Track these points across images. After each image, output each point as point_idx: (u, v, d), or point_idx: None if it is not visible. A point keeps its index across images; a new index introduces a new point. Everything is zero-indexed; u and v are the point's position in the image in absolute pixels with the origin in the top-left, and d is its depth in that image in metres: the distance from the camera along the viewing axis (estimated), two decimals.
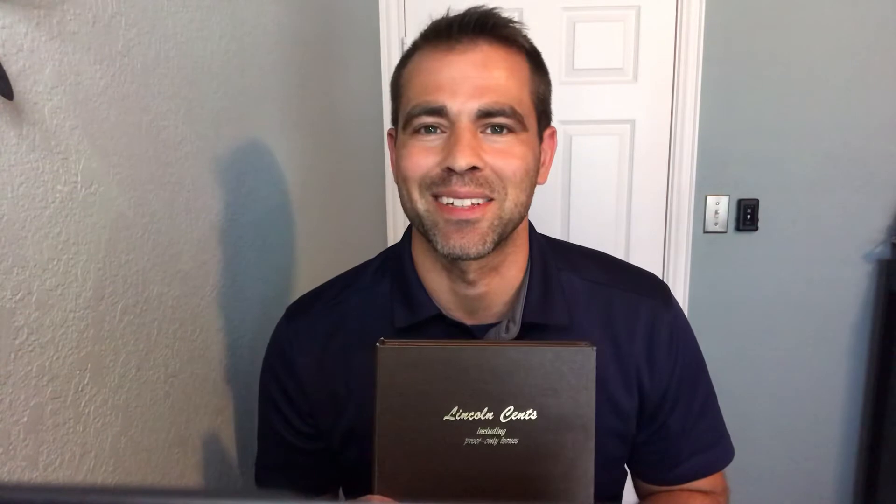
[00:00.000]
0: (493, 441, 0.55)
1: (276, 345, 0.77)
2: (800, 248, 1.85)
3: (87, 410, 0.58)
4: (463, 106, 0.61)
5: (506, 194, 0.63)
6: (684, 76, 1.78)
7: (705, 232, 1.87)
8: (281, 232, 1.09)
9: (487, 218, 0.63)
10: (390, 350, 0.55)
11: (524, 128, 0.64)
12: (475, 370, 0.55)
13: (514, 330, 0.69)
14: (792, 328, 1.89)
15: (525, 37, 0.67)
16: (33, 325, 0.51)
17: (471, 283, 0.68)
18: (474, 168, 0.61)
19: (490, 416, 0.55)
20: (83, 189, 0.57)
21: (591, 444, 0.56)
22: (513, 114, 0.62)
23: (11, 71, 0.48)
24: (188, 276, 0.77)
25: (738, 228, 1.86)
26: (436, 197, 0.63)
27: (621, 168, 1.86)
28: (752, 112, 1.80)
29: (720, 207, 1.85)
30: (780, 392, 1.92)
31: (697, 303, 1.90)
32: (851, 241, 1.84)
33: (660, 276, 1.87)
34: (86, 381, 0.58)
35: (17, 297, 0.49)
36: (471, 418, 0.55)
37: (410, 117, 0.63)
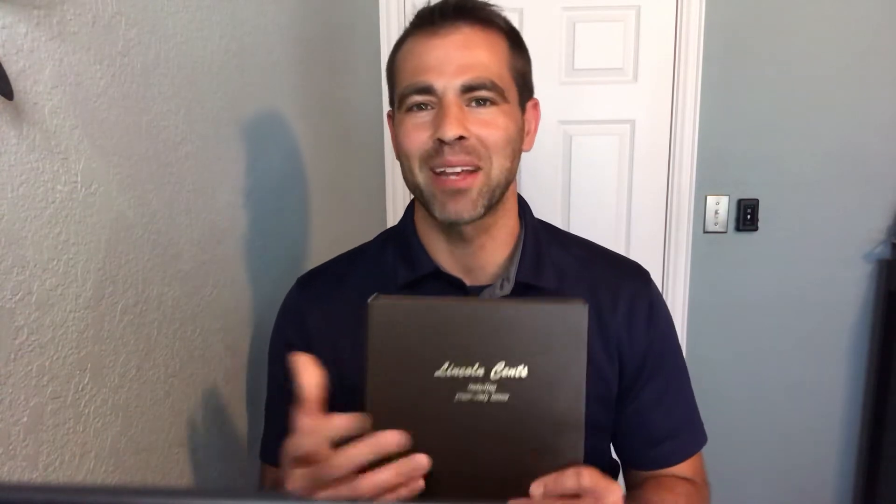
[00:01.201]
0: (484, 397, 0.55)
1: (287, 307, 0.83)
2: (800, 248, 1.85)
3: (87, 410, 0.58)
4: (448, 83, 0.69)
5: (491, 162, 0.71)
6: (684, 76, 1.78)
7: (705, 232, 1.87)
8: (281, 231, 1.09)
9: (476, 186, 0.70)
10: (381, 305, 0.55)
11: (505, 99, 0.71)
12: (467, 326, 0.55)
13: (508, 287, 0.76)
14: (792, 328, 1.89)
15: (502, 17, 0.75)
16: (33, 325, 0.51)
17: (467, 242, 0.76)
18: (462, 138, 0.68)
19: (481, 372, 0.55)
20: (83, 189, 0.57)
21: (582, 402, 0.56)
22: (493, 87, 0.70)
23: (11, 71, 0.48)
24: (188, 276, 0.77)
25: (738, 228, 1.86)
26: (433, 170, 0.71)
27: (621, 168, 1.86)
28: (752, 112, 1.80)
29: (720, 207, 1.85)
30: (780, 392, 1.92)
31: (697, 303, 1.90)
32: (851, 241, 1.84)
33: (660, 276, 1.88)
34: (86, 381, 0.58)
35: (17, 297, 0.49)
36: (462, 374, 0.55)
37: (403, 97, 0.71)
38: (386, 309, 0.55)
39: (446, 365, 0.54)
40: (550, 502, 0.54)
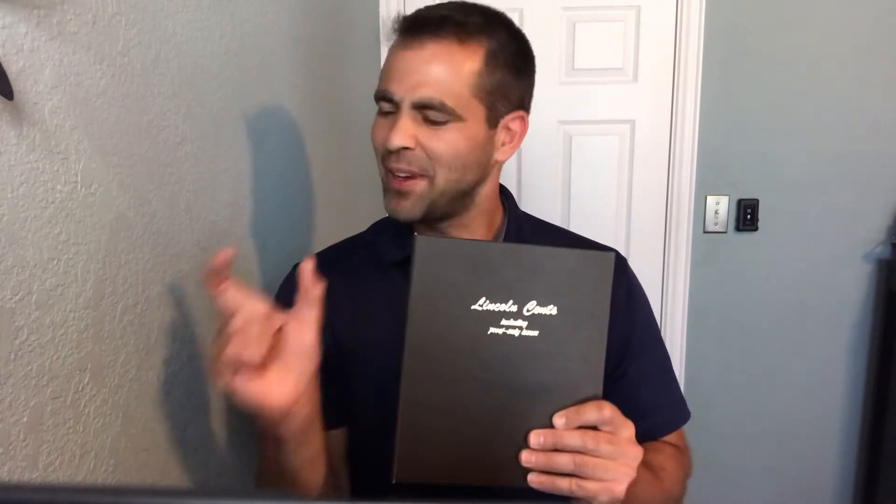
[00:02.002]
0: (515, 332, 0.59)
1: (285, 287, 0.84)
2: (800, 248, 1.85)
3: (87, 410, 0.58)
4: (403, 96, 0.73)
5: (435, 172, 0.74)
6: (684, 76, 1.78)
7: (705, 232, 1.87)
8: (281, 231, 1.09)
9: (416, 192, 0.75)
10: (427, 239, 0.59)
11: (459, 118, 0.73)
12: (504, 265, 0.59)
13: None
14: (792, 328, 1.89)
15: (489, 33, 0.75)
16: (33, 325, 0.51)
17: (440, 233, 0.81)
18: (406, 148, 0.73)
19: (514, 308, 0.59)
20: (83, 189, 0.57)
21: (604, 343, 0.60)
22: (442, 108, 0.72)
23: (11, 71, 0.48)
24: (188, 276, 0.77)
25: (738, 228, 1.86)
26: (387, 168, 0.76)
27: (621, 168, 1.86)
28: (752, 112, 1.80)
29: (720, 207, 1.85)
30: (780, 392, 1.92)
31: (697, 303, 1.90)
32: (851, 241, 1.84)
33: (660, 276, 1.88)
34: (86, 381, 0.58)
35: (17, 297, 0.49)
36: (496, 309, 0.59)
37: (376, 98, 0.77)
38: (431, 243, 0.59)
39: (483, 300, 0.58)
40: (571, 433, 0.59)
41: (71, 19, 0.55)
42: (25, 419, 0.51)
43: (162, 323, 0.71)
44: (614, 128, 1.85)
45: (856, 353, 1.89)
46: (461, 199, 0.78)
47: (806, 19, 1.75)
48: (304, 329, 0.57)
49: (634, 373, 0.82)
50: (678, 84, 1.79)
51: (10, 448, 0.49)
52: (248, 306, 0.55)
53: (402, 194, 0.76)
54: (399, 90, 0.73)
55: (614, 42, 1.80)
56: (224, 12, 0.86)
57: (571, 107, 1.83)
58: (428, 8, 0.76)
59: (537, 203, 1.86)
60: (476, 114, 0.75)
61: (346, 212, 1.50)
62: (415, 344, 0.58)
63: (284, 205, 1.11)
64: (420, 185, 0.75)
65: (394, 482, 0.58)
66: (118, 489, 0.22)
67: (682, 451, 0.86)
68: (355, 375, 0.80)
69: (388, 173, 0.76)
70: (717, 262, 1.88)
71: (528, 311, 0.59)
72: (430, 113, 0.73)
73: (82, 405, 0.58)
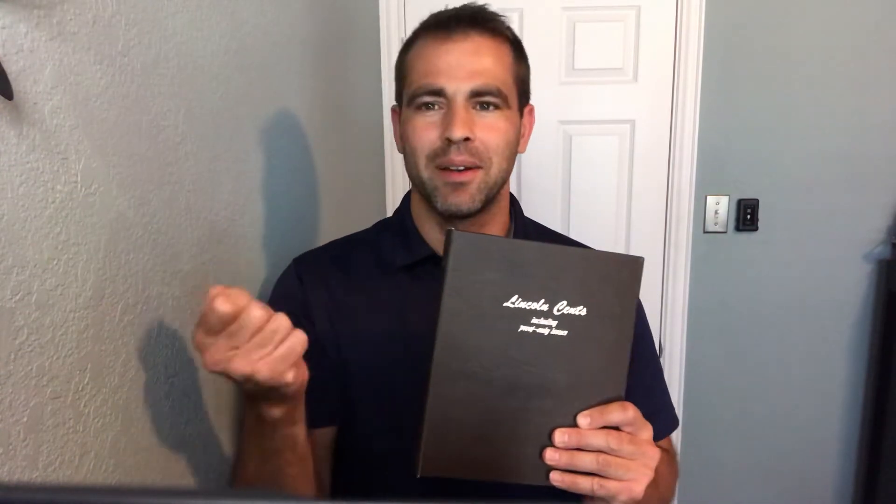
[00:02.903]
0: (545, 331, 0.59)
1: (283, 281, 0.86)
2: (800, 248, 1.85)
3: (87, 410, 0.58)
4: (458, 87, 0.74)
5: (491, 162, 0.76)
6: (684, 76, 1.78)
7: (705, 232, 1.87)
8: (281, 231, 1.09)
9: (476, 182, 0.76)
10: (464, 235, 0.59)
11: (508, 105, 0.77)
12: (537, 265, 0.59)
13: None
14: (792, 328, 1.89)
15: (509, 28, 0.79)
16: (33, 325, 0.51)
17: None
18: (467, 139, 0.73)
19: (545, 307, 0.59)
20: (83, 189, 0.57)
21: (629, 344, 0.61)
22: (498, 93, 0.75)
23: (11, 71, 0.48)
24: (188, 276, 0.77)
25: (738, 228, 1.86)
26: (438, 166, 0.76)
27: (621, 168, 1.86)
28: (752, 112, 1.80)
29: (720, 207, 1.85)
30: (780, 392, 1.92)
31: (697, 303, 1.90)
32: (851, 241, 1.84)
33: (660, 276, 1.88)
34: (86, 381, 0.58)
35: (17, 297, 0.49)
36: (528, 307, 0.59)
37: (415, 96, 0.76)
38: (467, 238, 0.59)
39: (515, 297, 0.59)
40: (596, 432, 0.59)
41: (71, 19, 0.55)
42: (25, 419, 0.51)
43: (162, 323, 0.71)
44: (614, 128, 1.85)
45: (856, 353, 1.89)
46: (497, 192, 0.79)
47: (806, 19, 1.75)
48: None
49: (631, 380, 0.82)
50: (678, 84, 1.79)
51: (10, 448, 0.49)
52: (250, 311, 0.56)
53: (461, 186, 0.75)
54: (452, 82, 0.74)
55: (614, 42, 1.80)
56: (224, 12, 0.86)
57: (571, 107, 1.83)
58: (456, 7, 0.78)
59: (537, 203, 1.86)
60: (514, 102, 0.78)
61: (347, 211, 1.50)
62: (447, 338, 0.58)
63: (284, 204, 1.11)
64: (479, 176, 0.76)
65: (418, 476, 0.59)
66: (118, 489, 0.22)
67: (672, 455, 0.87)
68: (355, 374, 0.80)
69: (439, 171, 0.76)
70: (717, 262, 1.88)
71: (558, 310, 0.59)
72: (487, 99, 0.74)
73: (82, 405, 0.58)
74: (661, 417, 0.85)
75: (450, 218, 0.78)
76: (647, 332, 0.89)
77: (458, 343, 0.59)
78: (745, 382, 1.92)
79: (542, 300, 0.59)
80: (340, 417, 0.81)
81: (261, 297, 0.98)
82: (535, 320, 0.59)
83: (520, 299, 0.59)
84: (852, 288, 1.86)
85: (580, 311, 0.59)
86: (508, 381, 0.60)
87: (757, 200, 1.84)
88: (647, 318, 0.89)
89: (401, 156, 0.84)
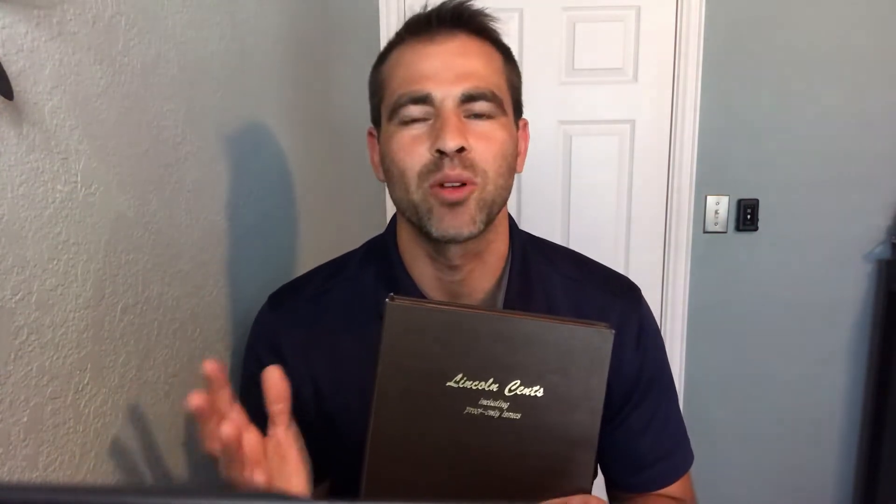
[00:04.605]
0: (494, 413, 0.53)
1: (260, 330, 0.77)
2: (800, 248, 1.85)
3: (87, 410, 0.58)
4: (447, 92, 0.64)
5: (487, 177, 0.65)
6: (684, 76, 1.78)
7: (705, 232, 1.87)
8: (281, 231, 1.09)
9: (473, 199, 0.65)
10: (400, 307, 0.53)
11: (503, 112, 0.67)
12: (485, 339, 0.53)
13: None
14: (792, 328, 1.89)
15: (495, 29, 0.70)
16: (33, 325, 0.51)
17: (455, 269, 0.71)
18: (462, 149, 0.63)
19: (495, 387, 0.53)
20: (83, 189, 0.57)
21: (596, 429, 0.54)
22: (493, 97, 0.65)
23: (11, 71, 0.48)
24: (188, 276, 0.77)
25: (738, 228, 1.86)
26: (430, 185, 0.65)
27: (621, 168, 1.86)
28: (753, 112, 1.80)
29: (720, 207, 1.85)
30: (779, 391, 1.92)
31: (697, 303, 1.90)
32: (851, 241, 1.84)
33: (660, 276, 1.88)
34: (86, 381, 0.58)
35: (17, 297, 0.49)
36: (475, 387, 0.53)
37: (397, 107, 0.66)
38: (404, 311, 0.53)
39: (460, 376, 0.53)
40: None
41: (71, 19, 0.55)
42: (25, 419, 0.51)
43: (162, 323, 0.71)
44: (614, 128, 1.85)
45: (856, 353, 1.89)
46: (497, 213, 0.68)
47: (806, 19, 1.75)
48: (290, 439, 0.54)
49: (636, 423, 0.76)
50: (678, 84, 1.79)
51: (10, 448, 0.49)
52: (248, 436, 0.52)
53: (458, 207, 0.64)
54: (439, 87, 0.64)
55: (614, 42, 1.80)
56: (224, 12, 0.86)
57: (571, 107, 1.83)
58: (436, 6, 0.68)
59: (537, 203, 1.86)
60: (510, 110, 0.69)
61: (346, 211, 1.50)
62: (382, 420, 0.53)
63: (284, 204, 1.11)
64: (475, 192, 0.65)
65: None
66: (118, 489, 0.22)
67: (683, 501, 0.80)
68: (340, 430, 0.74)
69: (432, 189, 0.65)
70: (717, 262, 1.88)
71: (510, 391, 0.53)
72: (480, 105, 0.65)
73: (82, 405, 0.58)
74: (668, 461, 0.78)
75: (445, 245, 0.67)
76: (661, 364, 0.78)
77: (396, 425, 0.54)
78: (745, 382, 1.92)
79: (492, 379, 0.52)
80: (331, 472, 0.76)
81: (261, 300, 0.98)
82: (483, 401, 0.53)
83: (465, 378, 0.53)
84: (852, 288, 1.86)
85: (536, 391, 0.53)
86: (456, 467, 0.54)
87: (757, 200, 1.84)
88: (662, 347, 0.79)
89: None
